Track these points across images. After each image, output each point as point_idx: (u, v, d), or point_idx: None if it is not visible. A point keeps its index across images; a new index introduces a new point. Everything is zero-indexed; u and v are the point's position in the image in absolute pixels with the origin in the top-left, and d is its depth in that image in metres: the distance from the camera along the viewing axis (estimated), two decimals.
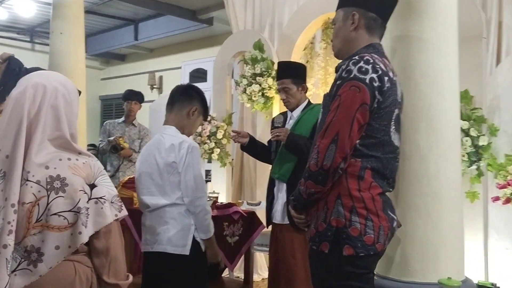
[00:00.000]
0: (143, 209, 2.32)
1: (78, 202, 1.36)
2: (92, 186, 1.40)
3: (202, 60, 7.54)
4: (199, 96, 2.42)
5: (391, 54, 2.04)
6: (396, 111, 1.67)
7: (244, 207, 3.78)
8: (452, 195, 2.01)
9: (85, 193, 1.38)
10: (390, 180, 1.70)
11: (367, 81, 1.57)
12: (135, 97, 4.77)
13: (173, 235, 2.18)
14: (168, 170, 2.21)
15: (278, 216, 2.83)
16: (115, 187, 4.32)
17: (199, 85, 7.91)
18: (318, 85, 4.46)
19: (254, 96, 4.40)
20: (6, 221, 1.29)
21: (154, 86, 8.26)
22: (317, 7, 4.33)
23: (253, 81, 4.41)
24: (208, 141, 4.77)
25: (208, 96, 6.14)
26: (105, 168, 4.94)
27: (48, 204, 1.35)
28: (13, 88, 1.48)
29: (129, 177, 3.90)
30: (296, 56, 4.53)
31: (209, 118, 4.78)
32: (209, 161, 4.96)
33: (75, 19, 4.16)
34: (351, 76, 1.59)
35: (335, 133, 1.56)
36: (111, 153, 4.64)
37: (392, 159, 1.68)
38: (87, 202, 1.38)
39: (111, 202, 1.43)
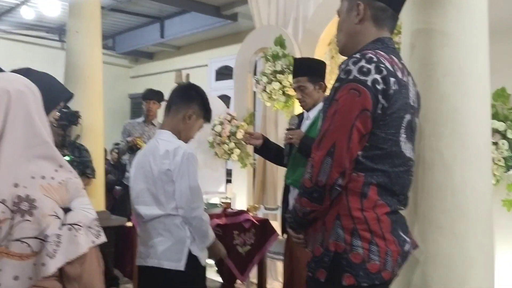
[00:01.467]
0: (138, 220, 2.17)
1: (46, 228, 1.20)
2: (67, 210, 1.23)
3: (229, 58, 7.38)
4: (199, 96, 2.24)
5: (409, 50, 1.80)
6: (408, 116, 1.43)
7: (261, 211, 3.60)
8: (481, 210, 1.75)
9: (58, 217, 1.21)
10: (401, 197, 1.47)
11: (369, 83, 1.34)
12: (153, 96, 4.71)
13: (167, 248, 2.02)
14: (162, 178, 2.04)
15: None
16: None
17: (226, 83, 7.84)
18: None
19: (274, 95, 4.20)
20: None
21: None
22: None
23: (273, 78, 4.21)
24: (228, 141, 4.61)
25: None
26: (125, 169, 4.94)
27: (11, 227, 1.18)
28: None
29: None
30: (320, 52, 4.31)
31: (229, 118, 4.63)
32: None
33: (91, 17, 4.06)
34: (350, 77, 1.36)
35: (331, 144, 1.35)
36: (128, 153, 4.57)
37: (403, 172, 1.45)
38: (60, 228, 1.22)
39: (88, 227, 1.26)
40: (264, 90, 4.28)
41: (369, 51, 1.41)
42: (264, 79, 4.26)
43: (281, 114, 4.43)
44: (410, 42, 1.80)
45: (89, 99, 4.09)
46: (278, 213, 3.56)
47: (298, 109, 4.17)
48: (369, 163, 1.39)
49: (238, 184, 4.71)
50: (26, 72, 2.07)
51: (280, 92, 4.18)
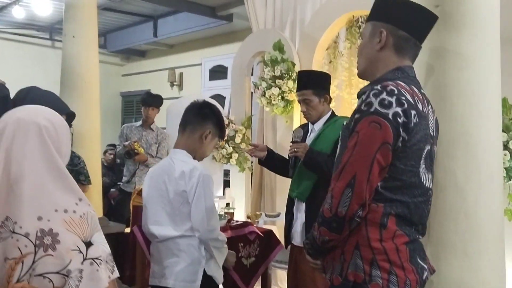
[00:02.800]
0: (151, 239, 2.15)
1: (69, 263, 1.17)
2: (89, 244, 1.21)
3: (222, 57, 7.37)
4: (214, 116, 2.21)
5: (424, 71, 1.79)
6: (427, 147, 1.44)
7: (262, 219, 3.60)
8: (493, 231, 1.76)
9: (80, 252, 1.19)
10: (420, 227, 1.47)
11: (390, 116, 1.34)
12: (152, 102, 4.65)
13: (182, 269, 2.02)
14: (178, 199, 2.03)
15: (298, 237, 2.63)
16: (130, 193, 4.19)
17: (220, 82, 7.81)
18: (342, 87, 4.22)
19: (274, 100, 4.19)
20: None
21: (174, 83, 8.14)
22: (341, 4, 4.08)
23: (272, 83, 4.20)
24: (227, 145, 4.59)
25: (229, 94, 6.02)
26: (122, 173, 4.90)
27: (34, 262, 1.15)
28: None
29: None
30: (319, 56, 4.29)
31: (227, 122, 4.61)
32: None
33: (88, 21, 4.02)
34: (372, 110, 1.36)
35: (352, 176, 1.35)
36: (125, 158, 4.54)
37: (422, 203, 1.45)
38: (82, 263, 1.20)
39: (106, 262, 1.26)
40: (263, 95, 4.26)
41: (390, 83, 1.41)
42: (263, 84, 4.24)
43: (280, 117, 4.42)
44: (425, 62, 1.80)
45: (86, 105, 4.06)
46: (280, 219, 3.56)
47: (297, 114, 4.18)
48: (388, 194, 1.39)
49: (236, 188, 4.70)
50: (28, 90, 2.04)
51: (280, 97, 4.16)
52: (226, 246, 2.16)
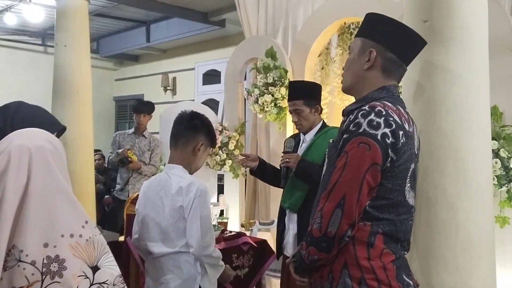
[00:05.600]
0: (145, 255, 2.14)
1: None
2: (95, 269, 1.19)
3: (216, 61, 7.36)
4: (204, 127, 2.19)
5: (413, 87, 1.80)
6: (412, 166, 1.45)
7: (256, 227, 3.60)
8: (484, 246, 1.77)
9: (87, 277, 1.18)
10: (405, 243, 1.49)
11: (379, 137, 1.36)
12: (144, 109, 4.65)
13: (177, 286, 2.01)
14: (174, 215, 2.02)
15: (290, 248, 2.63)
16: (124, 201, 4.17)
17: (213, 86, 7.78)
18: (334, 93, 4.23)
19: (267, 107, 4.19)
20: None
21: (168, 88, 8.12)
22: (333, 11, 4.09)
23: (265, 90, 4.20)
24: (220, 152, 4.58)
25: (222, 98, 6.01)
26: (115, 181, 4.88)
27: None
28: None
29: (137, 193, 3.78)
30: (311, 63, 4.30)
31: (220, 128, 4.61)
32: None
33: (80, 30, 4.00)
34: (360, 130, 1.37)
35: (341, 196, 1.36)
36: (119, 166, 4.52)
37: (406, 220, 1.47)
38: None
39: (113, 285, 1.24)
40: (256, 102, 4.26)
41: (378, 103, 1.42)
42: (256, 91, 4.25)
43: (272, 123, 4.42)
44: (413, 78, 1.81)
45: (78, 113, 4.05)
46: (274, 227, 3.55)
47: (290, 120, 4.18)
48: (375, 213, 1.41)
49: (229, 194, 4.70)
50: (18, 105, 2.00)
51: (272, 104, 4.16)
52: (222, 262, 2.15)
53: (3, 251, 1.12)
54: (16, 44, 7.85)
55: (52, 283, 1.13)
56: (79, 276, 1.15)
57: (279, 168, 2.79)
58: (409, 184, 1.45)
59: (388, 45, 1.49)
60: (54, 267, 1.14)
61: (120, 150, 4.47)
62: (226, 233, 3.00)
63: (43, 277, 1.13)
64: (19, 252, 1.13)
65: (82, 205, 1.33)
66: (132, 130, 4.75)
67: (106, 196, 5.83)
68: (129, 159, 4.42)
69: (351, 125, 1.40)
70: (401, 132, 1.39)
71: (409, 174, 1.44)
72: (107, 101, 9.32)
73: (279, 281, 3.45)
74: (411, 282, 1.47)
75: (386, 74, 1.51)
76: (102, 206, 5.68)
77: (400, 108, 1.46)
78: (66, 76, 3.96)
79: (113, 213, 4.93)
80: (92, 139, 4.23)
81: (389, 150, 1.37)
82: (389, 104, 1.43)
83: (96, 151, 6.49)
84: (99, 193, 5.40)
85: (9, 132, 1.70)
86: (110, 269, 1.22)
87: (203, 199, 2.02)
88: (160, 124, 5.04)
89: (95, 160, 6.29)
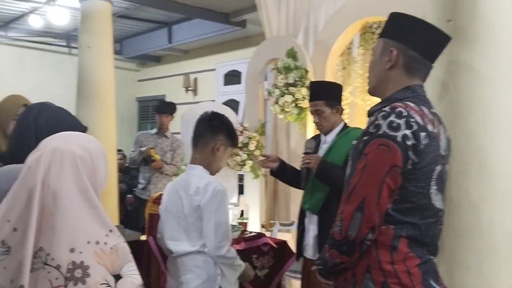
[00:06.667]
0: (167, 254, 2.17)
1: None
2: (117, 278, 1.19)
3: (237, 62, 7.37)
4: (225, 127, 2.20)
5: (438, 87, 1.77)
6: (438, 168, 1.42)
7: (276, 228, 3.59)
8: (508, 250, 1.73)
9: (109, 286, 1.17)
10: (432, 247, 1.45)
11: (399, 139, 1.33)
12: (166, 109, 4.72)
13: (197, 286, 2.02)
14: (193, 214, 2.04)
15: (310, 250, 2.62)
16: (146, 201, 4.21)
17: (234, 87, 7.80)
18: (356, 94, 4.20)
19: (287, 107, 4.18)
20: None
21: (189, 89, 8.18)
22: (355, 11, 4.05)
23: (285, 91, 4.19)
24: (240, 152, 4.59)
25: (243, 99, 6.02)
26: (137, 180, 4.93)
27: None
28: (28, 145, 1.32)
29: (160, 193, 3.82)
30: (332, 63, 4.28)
31: (240, 129, 4.62)
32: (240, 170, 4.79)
33: (103, 32, 4.06)
34: (380, 132, 1.35)
35: (361, 199, 1.34)
36: (142, 165, 4.58)
37: (433, 224, 1.43)
38: None
39: None
40: (277, 103, 4.26)
41: (399, 104, 1.39)
42: (277, 92, 4.24)
43: (293, 123, 4.41)
44: (438, 78, 1.77)
45: (101, 114, 4.11)
46: (294, 228, 3.54)
47: (310, 121, 4.16)
48: (398, 216, 1.38)
49: (250, 195, 4.70)
50: (41, 106, 2.04)
51: (293, 104, 4.15)
52: (240, 262, 2.15)
53: (30, 252, 1.12)
54: (42, 46, 8.01)
55: None
56: (101, 284, 1.15)
57: (299, 169, 2.78)
58: (435, 187, 1.41)
59: (410, 43, 1.46)
60: (78, 273, 1.13)
61: (143, 149, 4.53)
62: (246, 234, 3.00)
63: (66, 282, 1.12)
64: (46, 255, 1.13)
65: (105, 205, 1.33)
66: (154, 130, 4.82)
67: (128, 196, 5.90)
68: (152, 158, 4.48)
69: (371, 127, 1.38)
70: (423, 134, 1.36)
71: (434, 177, 1.40)
72: (130, 102, 9.44)
73: (299, 282, 3.44)
74: (438, 287, 1.45)
75: (410, 73, 1.48)
76: (125, 206, 5.75)
77: (424, 108, 1.43)
78: (90, 77, 4.02)
79: (135, 213, 4.99)
80: (114, 139, 4.29)
81: (410, 152, 1.34)
82: (411, 104, 1.40)
83: (117, 151, 6.58)
84: (121, 193, 5.47)
85: (33, 132, 1.74)
86: (132, 278, 1.22)
87: (219, 199, 2.02)
88: (181, 125, 5.09)
89: (120, 159, 6.40)
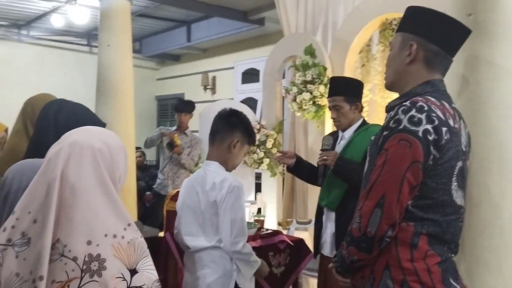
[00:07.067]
0: (184, 249, 2.19)
1: None
2: (133, 272, 1.19)
3: (255, 60, 7.37)
4: (242, 124, 2.21)
5: (458, 82, 1.74)
6: (459, 164, 1.39)
7: (294, 226, 3.58)
8: None
9: (124, 279, 1.17)
10: (452, 245, 1.43)
11: (420, 134, 1.31)
12: (184, 108, 4.82)
13: (214, 281, 2.03)
14: (209, 210, 2.06)
15: (327, 248, 2.60)
16: (164, 196, 4.23)
17: (252, 85, 7.79)
18: (375, 91, 4.15)
19: (305, 105, 4.16)
20: None
21: (208, 87, 8.21)
22: (374, 7, 4.01)
23: (303, 88, 4.17)
24: (258, 150, 4.59)
25: (261, 97, 6.02)
26: (155, 179, 5.00)
27: (79, 287, 1.14)
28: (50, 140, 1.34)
29: (177, 190, 3.85)
30: (351, 60, 4.24)
31: (258, 126, 4.62)
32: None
33: (122, 30, 4.10)
34: (401, 127, 1.32)
35: (381, 195, 1.32)
36: (167, 149, 4.69)
37: (453, 221, 1.40)
38: None
39: None
40: (294, 100, 4.24)
41: (420, 99, 1.37)
42: (294, 89, 4.22)
43: (310, 121, 4.38)
44: (458, 72, 1.74)
45: (120, 111, 4.15)
46: (311, 226, 3.52)
47: (328, 118, 4.13)
48: (419, 213, 1.36)
49: (267, 193, 4.70)
50: (60, 103, 2.06)
51: (311, 102, 4.13)
52: (256, 258, 2.15)
53: (49, 243, 1.13)
54: (63, 45, 8.13)
55: (91, 281, 1.13)
56: (117, 277, 1.15)
57: (316, 165, 2.76)
58: (456, 183, 1.38)
59: (429, 36, 1.44)
60: (95, 265, 1.14)
61: (168, 131, 4.62)
62: (263, 231, 3.00)
63: (83, 274, 1.13)
64: (63, 246, 1.14)
65: (124, 202, 1.34)
66: (174, 127, 4.91)
67: (147, 193, 5.95)
68: (175, 143, 4.57)
69: (391, 122, 1.36)
70: (444, 129, 1.33)
71: (455, 173, 1.38)
72: (149, 100, 9.52)
73: (316, 280, 3.43)
74: (458, 286, 1.41)
75: (430, 67, 1.46)
76: (143, 203, 5.80)
77: (445, 103, 1.40)
78: (109, 75, 4.07)
79: (153, 209, 5.04)
80: (133, 137, 4.34)
81: (431, 147, 1.32)
82: (432, 99, 1.38)
83: (136, 148, 6.65)
84: (140, 190, 5.53)
85: (53, 128, 1.76)
86: (148, 273, 1.21)
87: (235, 195, 2.03)
88: (199, 123, 5.11)
89: (136, 157, 6.45)
